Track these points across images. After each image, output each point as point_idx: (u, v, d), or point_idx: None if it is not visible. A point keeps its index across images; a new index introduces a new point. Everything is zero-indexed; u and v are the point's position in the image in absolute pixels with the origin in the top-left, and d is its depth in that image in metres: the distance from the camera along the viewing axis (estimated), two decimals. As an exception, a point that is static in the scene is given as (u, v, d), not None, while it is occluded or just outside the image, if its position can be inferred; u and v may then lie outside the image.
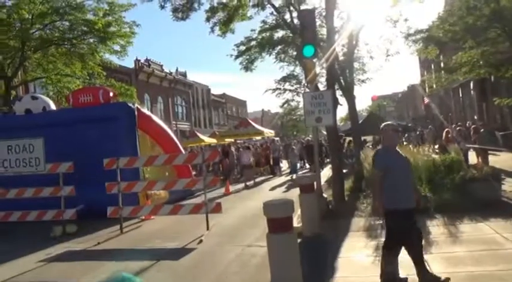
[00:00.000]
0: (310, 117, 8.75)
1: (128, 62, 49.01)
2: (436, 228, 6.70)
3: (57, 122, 10.86)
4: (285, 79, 16.37)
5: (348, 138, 20.76)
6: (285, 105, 17.63)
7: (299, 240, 6.79)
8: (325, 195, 8.88)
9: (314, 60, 9.17)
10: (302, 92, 11.98)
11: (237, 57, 18.56)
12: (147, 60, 43.59)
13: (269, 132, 27.17)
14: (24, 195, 9.20)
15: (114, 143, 10.51)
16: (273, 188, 15.30)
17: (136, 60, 41.25)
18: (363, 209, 8.72)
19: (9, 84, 16.14)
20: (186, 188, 8.53)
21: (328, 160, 21.43)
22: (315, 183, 7.38)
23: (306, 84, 14.58)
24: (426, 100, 40.60)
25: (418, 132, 21.48)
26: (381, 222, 7.45)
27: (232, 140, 28.89)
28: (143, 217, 10.24)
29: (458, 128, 14.65)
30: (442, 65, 27.26)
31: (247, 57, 18.34)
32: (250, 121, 27.72)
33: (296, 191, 12.98)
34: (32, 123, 10.77)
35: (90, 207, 9.94)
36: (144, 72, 40.80)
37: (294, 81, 16.06)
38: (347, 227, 7.45)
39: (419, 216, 7.55)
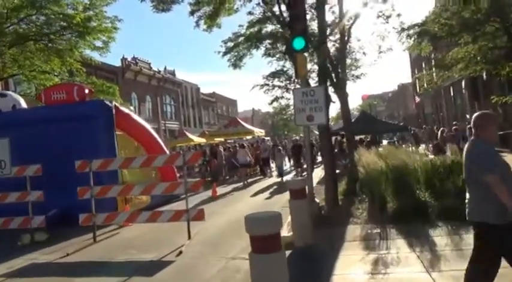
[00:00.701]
0: (301, 116, 8.06)
1: (115, 60, 47.99)
2: (440, 239, 6.05)
3: (25, 121, 10.04)
4: (273, 75, 15.56)
5: (339, 138, 20.19)
6: (274, 103, 16.69)
7: (289, 252, 6.13)
8: (317, 199, 8.21)
9: (305, 54, 8.47)
10: (292, 88, 11.13)
11: (225, 54, 17.79)
12: (134, 58, 42.63)
13: (259, 132, 26.49)
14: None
15: (89, 143, 9.75)
16: (260, 192, 14.60)
17: (123, 59, 40.30)
18: (359, 215, 8.07)
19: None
20: (165, 193, 7.81)
21: (318, 161, 20.75)
22: (306, 187, 6.70)
23: (295, 80, 13.89)
24: (417, 99, 40.26)
25: (412, 132, 20.94)
26: (379, 230, 6.83)
27: (222, 139, 28.17)
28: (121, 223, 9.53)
29: (454, 127, 14.09)
30: (433, 62, 26.85)
31: (236, 53, 17.61)
32: (240, 120, 27.00)
33: (285, 195, 12.54)
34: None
35: (63, 213, 9.20)
36: (131, 70, 39.89)
37: (284, 78, 15.25)
38: (342, 236, 6.78)
39: (419, 225, 6.98)
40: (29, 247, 7.90)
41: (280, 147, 20.25)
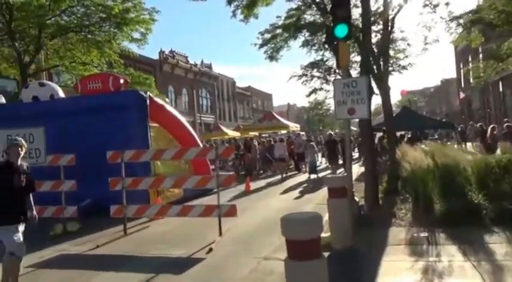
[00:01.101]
0: (342, 109, 7.53)
1: (153, 53, 48.63)
2: (498, 247, 5.40)
3: (61, 110, 10.03)
4: (312, 65, 14.82)
5: (379, 134, 19.32)
6: (311, 97, 15.99)
7: (327, 254, 5.68)
8: (356, 198, 7.68)
9: (347, 42, 7.91)
10: (332, 79, 10.36)
11: (261, 46, 17.37)
12: (171, 51, 43.01)
13: (294, 126, 25.95)
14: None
15: (123, 134, 9.62)
16: (294, 188, 14.13)
17: (161, 52, 40.75)
18: (402, 216, 7.48)
19: (25, 71, 15.59)
20: (197, 187, 7.52)
21: (354, 157, 19.91)
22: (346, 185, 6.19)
23: (335, 71, 13.15)
24: (462, 95, 38.28)
25: (460, 129, 19.62)
26: (426, 234, 6.24)
27: (257, 133, 27.84)
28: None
29: (507, 125, 13.03)
30: (480, 56, 25.28)
31: (272, 45, 17.15)
32: (275, 114, 26.56)
33: (319, 193, 12.12)
34: (34, 111, 9.99)
35: (96, 203, 9.12)
36: (168, 63, 40.23)
37: (323, 68, 14.45)
38: (384, 239, 6.24)
39: (472, 229, 6.33)
40: (60, 237, 7.85)
41: (312, 143, 18.99)
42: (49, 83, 11.17)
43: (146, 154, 7.56)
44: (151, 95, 10.82)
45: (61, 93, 11.02)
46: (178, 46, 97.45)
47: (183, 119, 12.14)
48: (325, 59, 14.42)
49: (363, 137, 8.76)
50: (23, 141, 4.97)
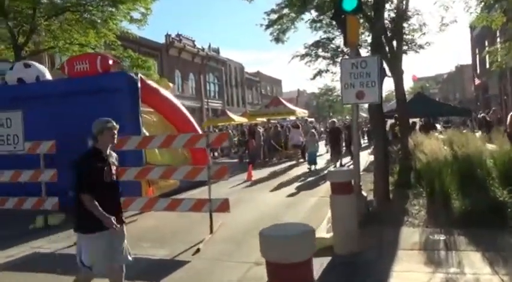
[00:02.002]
0: (349, 92, 6.69)
1: (159, 37, 47.69)
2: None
3: (43, 94, 9.28)
4: (317, 45, 13.70)
5: (390, 121, 18.35)
6: (318, 81, 14.80)
7: (328, 260, 4.91)
8: (364, 193, 6.86)
9: (356, 16, 6.99)
10: (340, 59, 9.48)
11: (267, 27, 16.45)
12: (178, 35, 42.03)
13: (302, 112, 24.96)
14: (1, 179, 7.76)
15: (112, 119, 8.85)
16: (298, 178, 13.20)
17: (167, 35, 39.83)
18: (415, 214, 6.66)
19: (19, 53, 14.88)
20: (187, 179, 6.78)
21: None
22: (353, 180, 5.37)
23: (344, 51, 12.06)
24: (477, 81, 36.80)
25: (481, 115, 18.38)
26: (443, 237, 5.42)
27: (265, 119, 26.97)
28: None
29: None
30: (498, 40, 23.92)
31: (279, 27, 16.17)
32: (282, 100, 25.57)
33: (324, 186, 10.52)
34: (14, 94, 9.25)
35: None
36: (175, 47, 39.28)
37: (330, 48, 13.30)
38: (395, 241, 5.44)
39: (497, 231, 5.52)
40: (38, 232, 7.22)
41: (313, 131, 17.05)
42: (35, 64, 10.42)
43: (130, 142, 6.80)
44: (143, 77, 10.01)
45: (48, 75, 10.26)
46: (186, 31, 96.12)
47: (179, 103, 11.34)
48: (332, 37, 13.21)
49: (373, 124, 7.88)
50: (115, 124, 4.08)
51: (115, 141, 3.97)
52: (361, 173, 12.23)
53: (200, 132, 11.90)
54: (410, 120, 14.97)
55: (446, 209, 6.53)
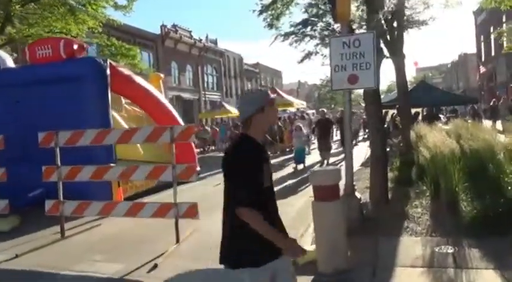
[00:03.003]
0: (340, 76, 5.70)
1: (154, 28, 46.45)
2: None
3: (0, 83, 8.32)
4: (305, 23, 12.42)
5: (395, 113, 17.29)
6: (306, 61, 13.08)
7: (309, 280, 3.96)
8: (358, 194, 5.87)
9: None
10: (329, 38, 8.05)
11: (261, 12, 15.38)
12: (174, 25, 40.82)
13: (300, 103, 23.92)
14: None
15: (77, 110, 7.91)
16: (291, 175, 11.96)
17: (163, 26, 38.65)
18: (417, 218, 5.68)
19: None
20: (149, 179, 5.84)
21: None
22: (341, 182, 4.36)
23: (334, 30, 10.75)
24: (483, 69, 35.60)
25: (492, 103, 17.07)
26: (451, 249, 4.45)
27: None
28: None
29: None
30: (504, 26, 22.77)
31: (272, 12, 15.07)
32: (279, 91, 24.55)
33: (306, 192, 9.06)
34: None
35: (52, 193, 7.47)
36: (171, 38, 38.07)
37: (320, 26, 11.96)
38: (392, 255, 4.46)
39: (510, 238, 4.56)
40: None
41: (300, 124, 14.34)
42: (-4, 50, 9.48)
43: (86, 136, 5.82)
44: (113, 63, 9.01)
45: (9, 63, 9.28)
46: (182, 21, 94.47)
47: (158, 93, 10.33)
48: (321, 12, 11.63)
49: (369, 114, 6.86)
50: None
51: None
52: (358, 168, 11.39)
53: (182, 123, 10.92)
54: (413, 110, 13.92)
55: (453, 212, 5.57)
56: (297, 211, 6.95)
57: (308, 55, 12.96)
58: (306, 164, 12.88)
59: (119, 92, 8.83)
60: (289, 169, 12.84)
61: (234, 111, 28.32)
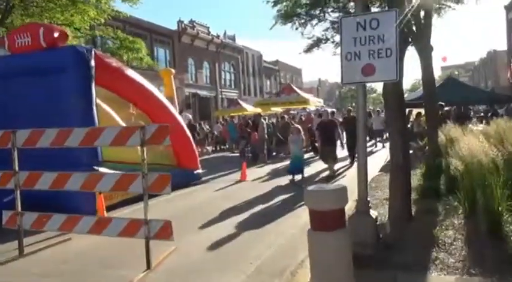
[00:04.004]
0: (352, 66, 4.59)
1: (171, 24, 45.77)
2: None
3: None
4: (313, 4, 10.74)
5: (416, 111, 15.87)
6: (315, 51, 11.10)
7: None
8: (373, 212, 4.71)
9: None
10: (339, 18, 6.54)
11: (275, 3, 14.26)
12: (191, 21, 40.10)
13: (316, 101, 22.65)
14: None
15: (55, 106, 7.04)
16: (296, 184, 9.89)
17: (180, 22, 37.95)
18: (449, 245, 4.48)
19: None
20: (115, 190, 4.85)
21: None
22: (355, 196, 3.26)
23: (348, 10, 9.24)
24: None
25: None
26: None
27: (280, 109, 24.76)
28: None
29: None
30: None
31: (287, 2, 13.86)
32: (294, 87, 23.34)
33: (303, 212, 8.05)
34: None
35: (28, 198, 6.58)
36: (187, 34, 37.32)
37: (331, 6, 10.29)
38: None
39: None
40: None
41: (298, 126, 11.56)
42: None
43: (45, 136, 4.86)
44: (99, 52, 8.07)
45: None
46: (200, 17, 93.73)
47: (153, 88, 9.34)
48: None
49: (389, 113, 5.68)
50: None
51: None
52: (377, 174, 10.14)
53: (181, 121, 9.94)
54: (445, 109, 12.49)
55: (496, 238, 4.37)
56: (296, 233, 5.72)
57: (317, 43, 11.37)
58: (306, 175, 10.47)
59: (107, 86, 7.88)
60: (285, 180, 10.35)
61: (250, 109, 27.30)
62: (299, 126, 11.18)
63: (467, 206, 5.22)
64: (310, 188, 3.15)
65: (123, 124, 8.54)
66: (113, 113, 8.29)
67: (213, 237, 5.61)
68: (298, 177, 10.16)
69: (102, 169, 7.07)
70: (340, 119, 15.47)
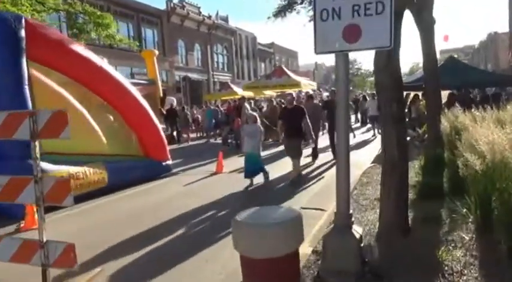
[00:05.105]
0: (329, 28, 3.32)
1: (160, 3, 43.95)
2: None
3: None
4: None
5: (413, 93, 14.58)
6: (285, 19, 9.03)
7: None
8: (357, 229, 3.49)
9: None
10: None
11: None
12: (181, 1, 38.31)
13: (309, 84, 21.30)
14: None
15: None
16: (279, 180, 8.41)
17: (168, 1, 36.21)
18: (458, 275, 3.28)
19: None
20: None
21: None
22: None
23: None
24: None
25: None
26: None
27: (273, 93, 23.43)
28: (21, 225, 5.73)
29: None
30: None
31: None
32: (286, 70, 21.96)
33: (303, 194, 6.69)
34: None
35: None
36: (177, 14, 35.63)
37: None
38: None
39: None
40: None
41: (254, 114, 8.54)
42: None
43: None
44: (31, 20, 6.70)
45: None
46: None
47: (108, 66, 8.00)
48: None
49: (382, 94, 4.39)
50: None
51: None
52: (370, 166, 8.94)
53: (146, 106, 8.64)
54: (446, 92, 11.15)
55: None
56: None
57: (289, 5, 9.46)
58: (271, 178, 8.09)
59: (46, 62, 6.56)
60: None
61: (241, 93, 25.93)
62: (256, 114, 8.47)
63: (480, 215, 4.02)
64: (242, 216, 1.90)
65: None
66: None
67: (153, 256, 4.36)
68: (259, 180, 7.94)
69: (43, 164, 5.87)
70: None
